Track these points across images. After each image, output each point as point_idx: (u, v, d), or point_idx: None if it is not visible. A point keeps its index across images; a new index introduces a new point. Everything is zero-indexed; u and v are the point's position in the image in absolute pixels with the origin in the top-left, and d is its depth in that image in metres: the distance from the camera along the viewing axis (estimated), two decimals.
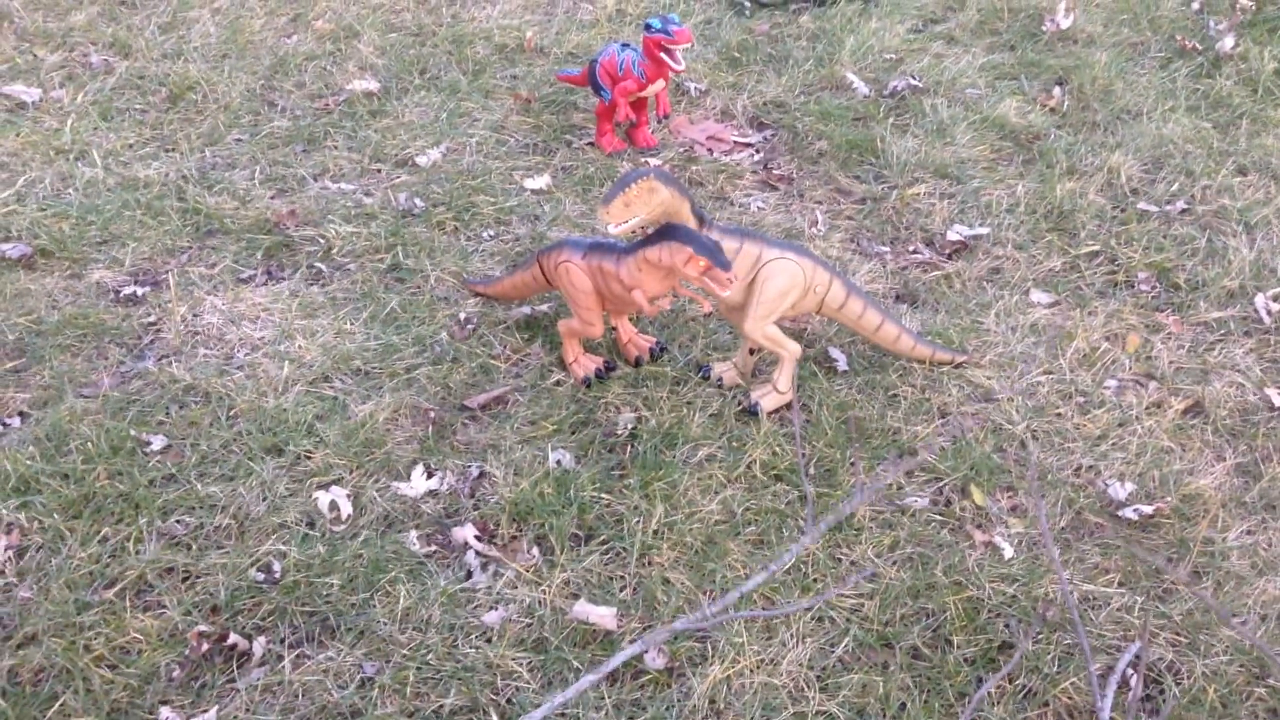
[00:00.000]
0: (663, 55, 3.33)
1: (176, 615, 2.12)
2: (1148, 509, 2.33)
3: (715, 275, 2.36)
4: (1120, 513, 2.33)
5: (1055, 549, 2.10)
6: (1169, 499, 2.36)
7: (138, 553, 2.24)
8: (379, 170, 3.45)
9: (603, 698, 1.99)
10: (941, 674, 2.03)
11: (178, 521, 2.31)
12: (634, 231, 2.54)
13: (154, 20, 4.24)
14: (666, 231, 2.39)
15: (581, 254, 2.55)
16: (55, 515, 2.31)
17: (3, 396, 2.61)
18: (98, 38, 4.12)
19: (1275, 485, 2.40)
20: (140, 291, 2.93)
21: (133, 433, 2.49)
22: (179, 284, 2.94)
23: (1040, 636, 2.07)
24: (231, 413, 2.56)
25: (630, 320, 2.75)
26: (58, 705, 1.98)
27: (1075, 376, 2.67)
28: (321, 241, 3.11)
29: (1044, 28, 4.27)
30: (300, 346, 2.75)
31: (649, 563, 2.24)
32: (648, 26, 3.31)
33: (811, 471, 2.42)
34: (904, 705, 1.98)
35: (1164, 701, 1.99)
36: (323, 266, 3.03)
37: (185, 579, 2.21)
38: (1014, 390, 2.63)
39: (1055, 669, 2.03)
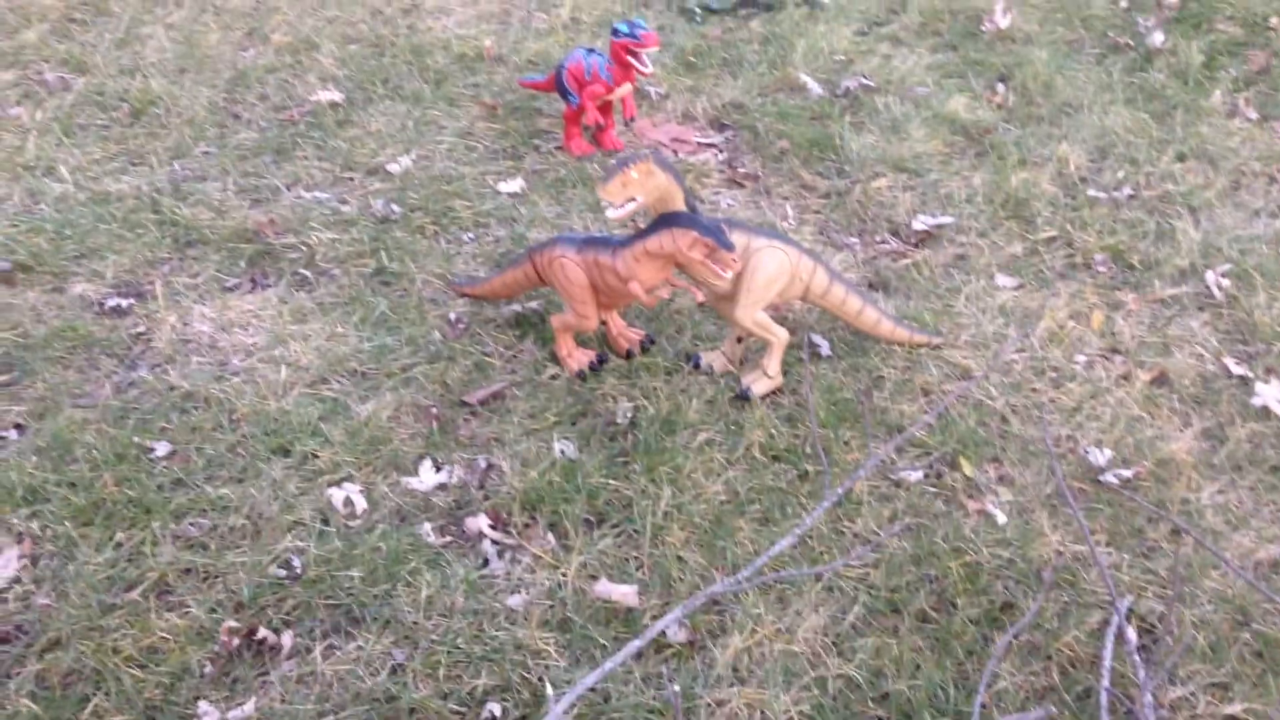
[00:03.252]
0: (630, 59, 3.42)
1: (201, 613, 2.15)
2: (1126, 473, 2.46)
3: (720, 257, 2.44)
4: (1101, 478, 2.46)
5: (1074, 504, 2.21)
6: (1145, 463, 2.49)
7: (155, 555, 2.26)
8: (352, 178, 3.49)
9: (630, 671, 2.06)
10: (949, 634, 2.13)
11: (191, 524, 2.33)
12: (629, 221, 2.61)
13: (107, 36, 4.22)
14: (667, 219, 2.48)
15: (576, 249, 2.62)
16: (66, 523, 2.31)
17: None
18: (51, 55, 4.10)
19: (1240, 447, 2.55)
20: (125, 303, 2.93)
21: (136, 440, 2.51)
22: (165, 294, 2.95)
23: (1040, 595, 2.19)
24: (233, 417, 2.58)
25: (619, 314, 2.83)
26: (90, 707, 1.99)
27: (1046, 353, 2.81)
28: (304, 249, 3.14)
29: (983, 28, 4.44)
30: (295, 351, 2.78)
31: (662, 543, 2.31)
32: (615, 31, 3.40)
33: (809, 450, 2.51)
34: (917, 665, 2.08)
35: (1158, 651, 2.11)
36: (308, 273, 3.06)
37: (205, 578, 2.23)
38: (990, 368, 2.75)
39: (1056, 624, 2.15)
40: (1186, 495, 2.43)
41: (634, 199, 2.52)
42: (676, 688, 1.83)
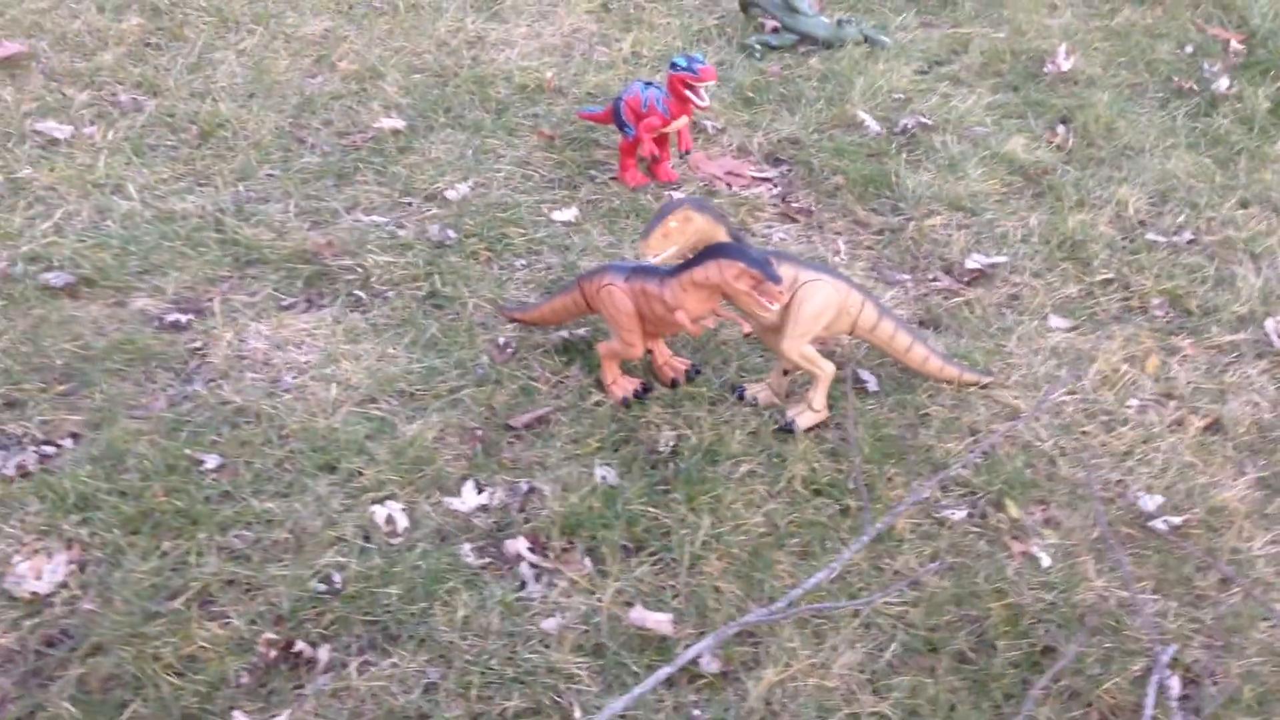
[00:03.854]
0: (687, 92, 3.45)
1: (242, 625, 2.18)
2: (1176, 520, 2.42)
3: (767, 289, 2.45)
4: (1150, 524, 2.42)
5: (1118, 551, 2.17)
6: (1196, 510, 2.45)
7: (199, 565, 2.30)
8: (410, 204, 3.55)
9: (661, 700, 2.05)
10: (988, 676, 2.10)
11: (236, 536, 2.37)
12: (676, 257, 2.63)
13: (180, 61, 4.33)
14: (714, 250, 2.49)
15: (624, 277, 2.64)
16: (115, 530, 2.36)
17: (55, 419, 2.66)
18: (125, 77, 4.21)
19: None
20: (184, 319, 3.00)
21: (187, 452, 2.55)
22: (223, 311, 3.01)
23: (1083, 641, 2.15)
24: (283, 432, 2.63)
25: (665, 343, 2.84)
26: (128, 712, 2.03)
27: (1098, 396, 2.77)
28: (360, 270, 3.19)
29: (1045, 70, 4.41)
30: (346, 370, 2.82)
31: (699, 572, 2.31)
32: (673, 65, 3.43)
33: (851, 486, 2.49)
34: (953, 706, 2.05)
35: (1203, 700, 2.06)
36: (362, 294, 3.11)
37: (247, 590, 2.26)
38: (1040, 409, 2.72)
39: (1098, 670, 2.11)
40: (1238, 545, 2.38)
41: (673, 247, 2.57)
42: (697, 712, 1.82)
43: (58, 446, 2.60)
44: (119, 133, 3.86)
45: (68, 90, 4.10)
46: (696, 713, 2.01)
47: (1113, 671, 2.10)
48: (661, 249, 2.57)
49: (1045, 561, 2.33)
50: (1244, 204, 3.58)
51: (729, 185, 3.74)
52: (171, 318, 3.00)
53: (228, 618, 2.19)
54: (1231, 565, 2.33)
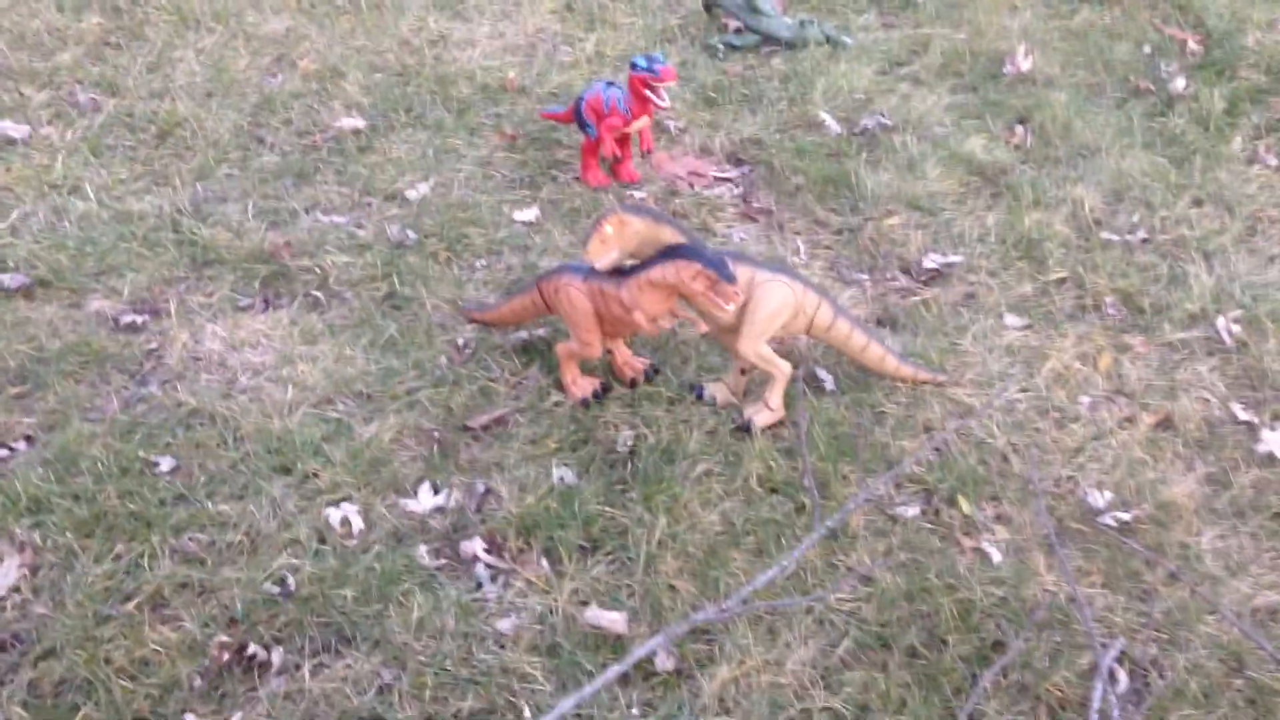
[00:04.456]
0: (648, 93, 3.45)
1: (194, 628, 2.17)
2: (1125, 516, 2.45)
3: (723, 289, 2.46)
4: (1099, 520, 2.45)
5: (1059, 548, 2.20)
6: (1145, 506, 2.48)
7: (152, 569, 2.29)
8: (370, 204, 3.54)
9: (616, 698, 2.06)
10: (938, 671, 2.12)
11: (190, 539, 2.36)
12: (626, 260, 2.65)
13: (140, 60, 4.31)
14: (671, 250, 2.50)
15: (582, 277, 2.65)
16: (68, 534, 2.35)
17: (8, 421, 2.65)
18: (84, 76, 4.18)
19: (1243, 493, 2.53)
20: (140, 320, 2.99)
21: (141, 454, 2.54)
22: (179, 312, 3.00)
23: (1031, 635, 2.18)
24: (238, 434, 2.62)
25: (624, 343, 2.84)
26: (79, 716, 2.02)
27: (1051, 394, 2.80)
28: (318, 271, 3.18)
29: (1004, 70, 4.45)
30: (302, 371, 2.81)
31: (654, 571, 2.32)
32: (633, 65, 3.44)
33: (808, 483, 2.51)
34: (904, 701, 2.07)
35: (1150, 694, 2.09)
36: (320, 295, 3.10)
37: (201, 593, 2.25)
38: (994, 407, 2.75)
39: (1046, 665, 2.13)
40: (1186, 540, 2.41)
41: (614, 251, 2.58)
42: (635, 711, 1.83)
43: (10, 449, 2.58)
44: (77, 133, 3.84)
45: (25, 89, 4.07)
46: (650, 711, 2.03)
47: (1061, 665, 2.12)
48: (602, 254, 2.60)
49: (996, 557, 2.35)
50: (1198, 203, 3.62)
51: (691, 185, 3.75)
52: (127, 319, 2.98)
53: (180, 621, 2.18)
54: (1179, 560, 2.36)
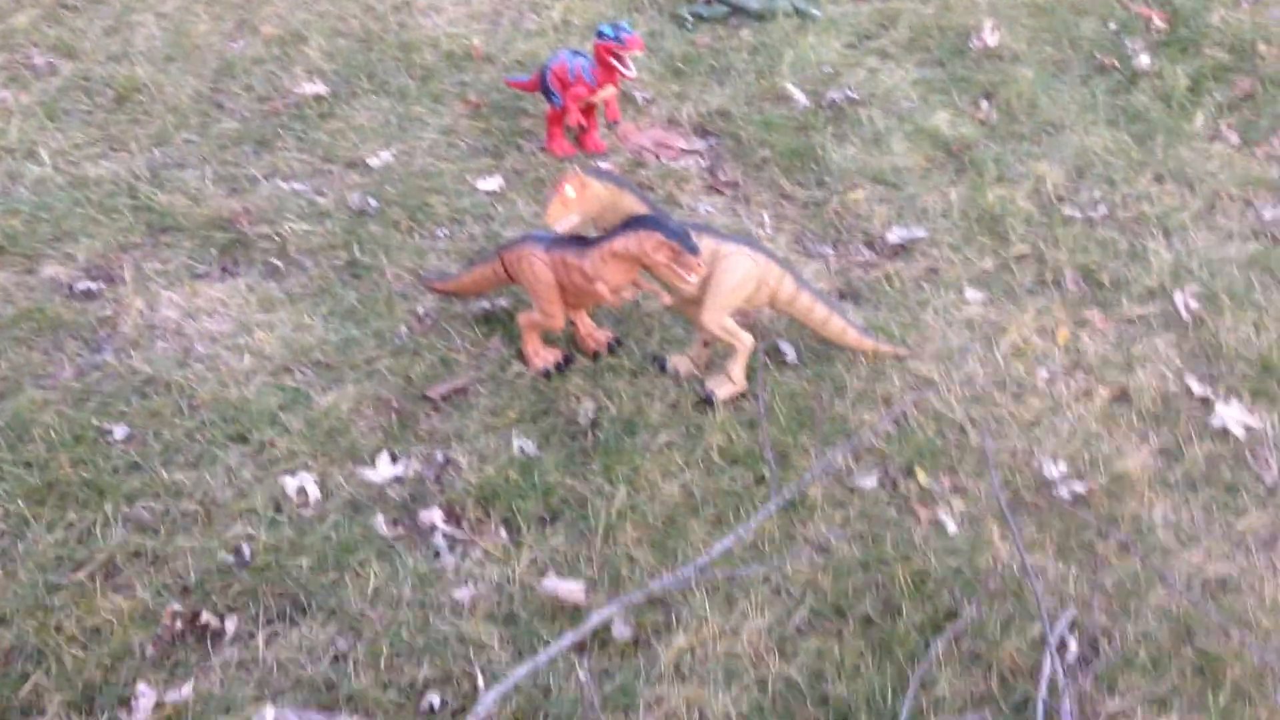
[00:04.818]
0: (614, 62, 3.43)
1: (147, 596, 2.16)
2: (1079, 487, 2.47)
3: (685, 261, 2.45)
4: (1054, 491, 2.47)
5: (1011, 519, 2.21)
6: (1099, 478, 2.50)
7: (105, 537, 2.27)
8: (331, 171, 3.50)
9: (573, 666, 2.06)
10: (893, 639, 2.14)
11: (144, 507, 2.34)
12: (586, 226, 2.64)
13: (98, 23, 4.23)
14: (635, 221, 2.49)
15: (545, 247, 2.63)
16: (19, 502, 2.32)
17: None
18: (40, 40, 4.11)
19: (1196, 466, 2.56)
20: (95, 287, 2.95)
21: (94, 422, 2.52)
22: (135, 279, 2.96)
23: (984, 604, 2.20)
24: (193, 403, 2.59)
25: (587, 315, 2.83)
26: (30, 684, 2.00)
27: (1009, 368, 2.82)
28: (277, 239, 3.15)
29: (971, 45, 4.45)
30: (259, 339, 2.79)
31: (613, 541, 2.32)
32: (599, 33, 3.41)
33: (767, 455, 2.52)
34: (858, 668, 2.09)
35: (1100, 662, 2.12)
36: (279, 263, 3.07)
37: (154, 562, 2.24)
38: (952, 380, 2.76)
39: (998, 634, 2.15)
40: (1139, 511, 2.44)
41: (574, 215, 2.58)
42: (583, 674, 1.84)
43: None
44: (33, 97, 3.77)
45: None
46: (606, 679, 2.03)
47: (1013, 634, 2.14)
48: (562, 217, 2.59)
49: (951, 528, 2.37)
50: (1159, 179, 3.64)
51: (657, 156, 3.73)
52: (82, 286, 2.94)
53: (133, 589, 2.17)
54: (1131, 531, 2.39)
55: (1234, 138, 3.88)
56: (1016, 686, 2.07)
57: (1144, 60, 4.27)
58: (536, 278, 2.65)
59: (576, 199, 2.58)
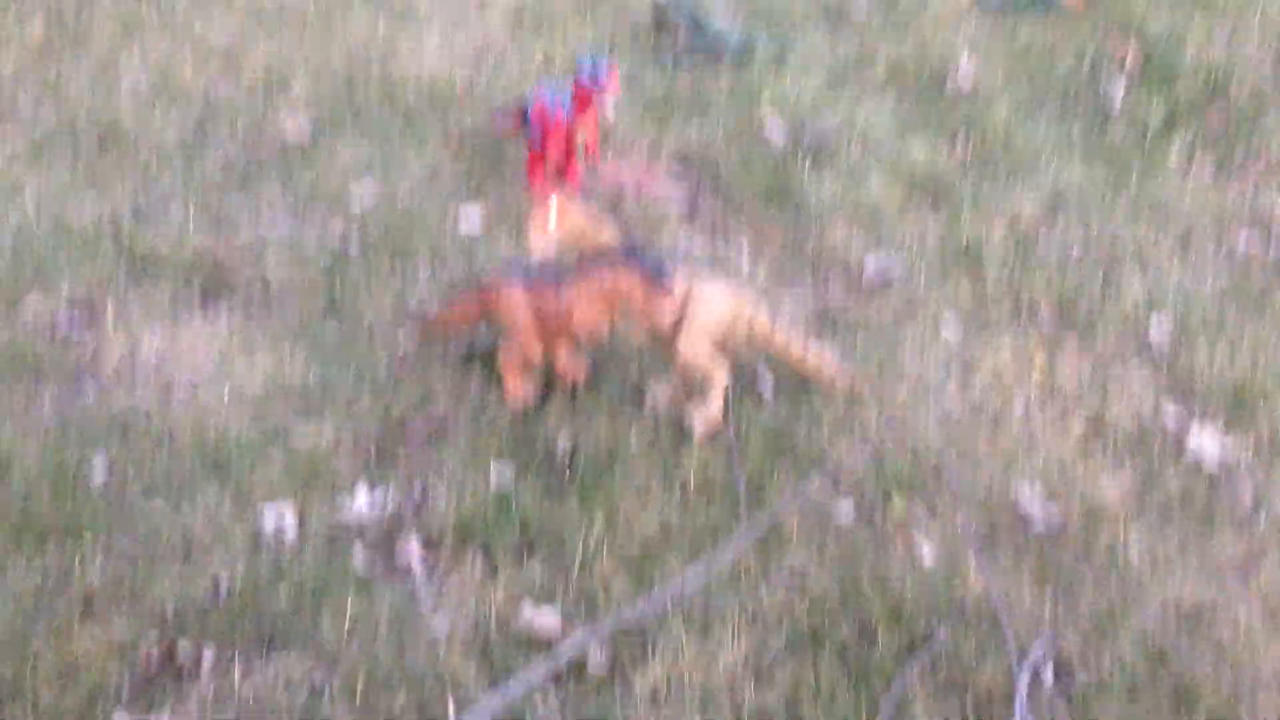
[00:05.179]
0: (591, 103, 3.48)
1: (125, 631, 2.16)
2: (1056, 516, 2.49)
3: (660, 293, 2.48)
4: (1030, 521, 2.49)
5: (978, 554, 2.23)
6: (1075, 507, 2.52)
7: (84, 573, 2.27)
8: (313, 211, 3.53)
9: (548, 696, 2.07)
10: (869, 666, 2.15)
11: (122, 543, 2.34)
12: (564, 253, 2.67)
13: (84, 66, 4.28)
14: (609, 255, 2.52)
15: (522, 282, 2.66)
16: None
17: None
18: (26, 82, 4.15)
19: (1171, 494, 2.58)
20: (76, 327, 2.96)
21: (74, 460, 2.52)
22: (116, 319, 2.98)
23: (960, 631, 2.21)
24: (174, 440, 2.60)
25: (566, 349, 2.85)
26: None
27: (985, 399, 2.84)
28: (259, 279, 3.17)
29: (948, 83, 4.51)
30: (240, 378, 2.80)
31: (590, 573, 2.33)
32: (578, 68, 3.46)
33: (743, 488, 2.53)
34: (833, 695, 2.10)
35: (1075, 689, 2.13)
36: (260, 302, 3.09)
37: (132, 597, 2.24)
38: (929, 411, 2.78)
39: (974, 661, 2.16)
40: (1114, 540, 2.45)
41: (552, 240, 2.61)
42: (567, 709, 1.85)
43: None
44: (18, 138, 3.81)
45: None
46: (582, 710, 2.03)
47: (989, 660, 2.15)
48: (542, 243, 2.61)
49: (928, 557, 2.38)
50: (1134, 213, 3.68)
51: (637, 194, 3.78)
52: (64, 326, 2.96)
53: (110, 624, 2.17)
54: (1107, 559, 2.40)
55: (1208, 171, 3.94)
56: (993, 712, 2.08)
57: (1119, 96, 4.34)
58: (514, 312, 2.67)
59: (558, 226, 2.61)
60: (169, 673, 2.09)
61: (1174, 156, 4.01)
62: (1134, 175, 3.89)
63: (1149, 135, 4.14)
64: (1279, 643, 2.24)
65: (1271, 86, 4.34)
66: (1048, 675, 2.14)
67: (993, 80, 4.52)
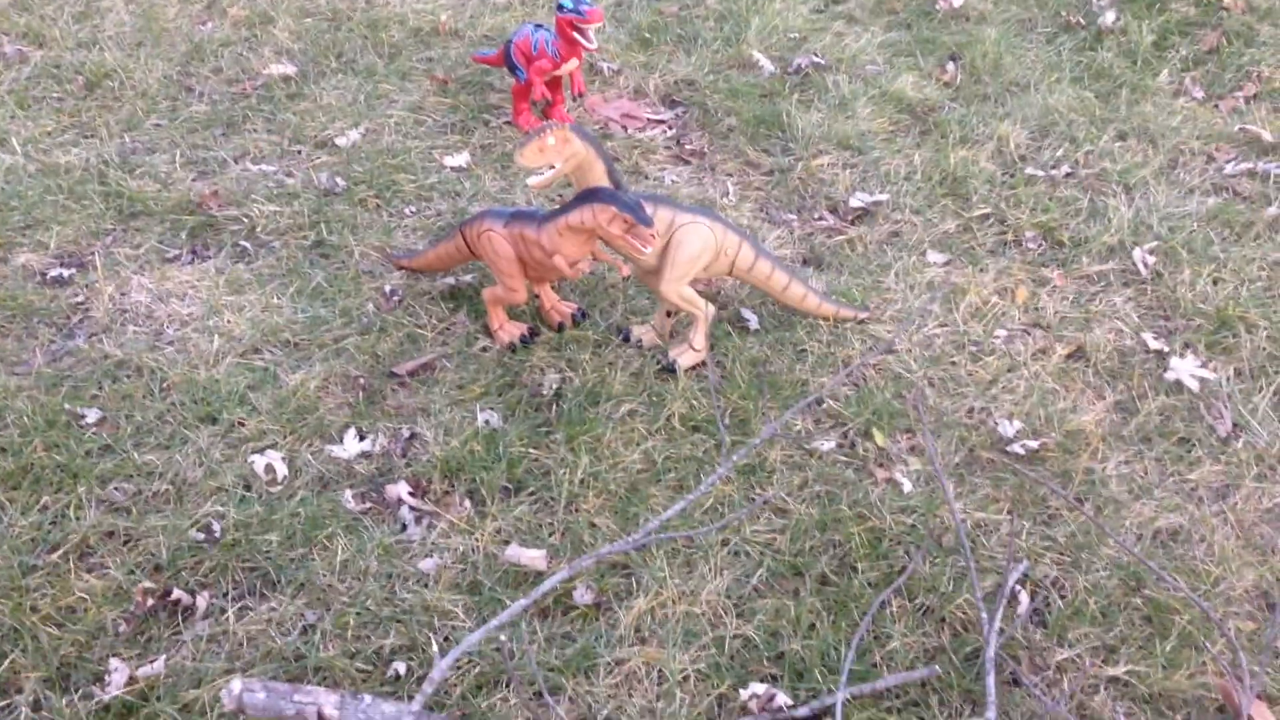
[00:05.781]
0: (575, 35, 3.45)
1: (120, 575, 2.21)
2: (1034, 444, 2.52)
3: (639, 233, 2.49)
4: (1009, 448, 2.52)
5: (948, 482, 2.26)
6: (1053, 435, 2.55)
7: (79, 519, 2.31)
8: (299, 151, 3.53)
9: (535, 631, 2.12)
10: (848, 597, 2.19)
11: (116, 488, 2.39)
12: (550, 187, 2.66)
13: (67, 10, 4.25)
14: (588, 194, 2.52)
15: (503, 223, 2.67)
16: None
17: None
18: (10, 28, 4.13)
19: (1150, 420, 2.61)
20: (66, 273, 2.98)
21: (67, 407, 2.56)
22: (105, 265, 3.00)
23: (936, 560, 2.25)
24: (164, 385, 2.64)
25: (551, 288, 2.87)
26: (6, 663, 2.05)
27: (968, 328, 2.86)
28: (245, 221, 3.18)
29: (937, 6, 4.46)
30: (229, 321, 2.83)
31: (576, 510, 2.37)
32: (560, 7, 3.43)
33: (727, 422, 2.57)
34: (813, 625, 2.14)
35: (1050, 615, 2.17)
36: (247, 245, 3.11)
37: (127, 542, 2.29)
38: (912, 341, 2.80)
39: (950, 588, 2.21)
40: (1092, 465, 2.49)
41: (552, 166, 2.57)
42: (503, 637, 1.90)
43: None
44: (3, 85, 3.79)
45: None
46: (567, 643, 2.08)
47: (964, 589, 2.20)
48: (535, 163, 2.56)
49: (907, 487, 2.42)
50: (1122, 136, 3.67)
51: (624, 128, 3.76)
52: (54, 273, 2.98)
53: (106, 568, 2.22)
54: (1084, 485, 2.44)
55: (1198, 92, 3.91)
56: (968, 639, 2.13)
57: (1109, 17, 4.29)
58: (497, 253, 2.68)
59: (556, 149, 2.57)
60: (164, 615, 2.14)
61: (1164, 77, 3.98)
62: (1123, 97, 3.86)
63: (1139, 56, 4.10)
64: (1253, 565, 2.28)
65: (1264, 7, 4.29)
66: (1023, 601, 2.18)
67: (982, 3, 4.47)
